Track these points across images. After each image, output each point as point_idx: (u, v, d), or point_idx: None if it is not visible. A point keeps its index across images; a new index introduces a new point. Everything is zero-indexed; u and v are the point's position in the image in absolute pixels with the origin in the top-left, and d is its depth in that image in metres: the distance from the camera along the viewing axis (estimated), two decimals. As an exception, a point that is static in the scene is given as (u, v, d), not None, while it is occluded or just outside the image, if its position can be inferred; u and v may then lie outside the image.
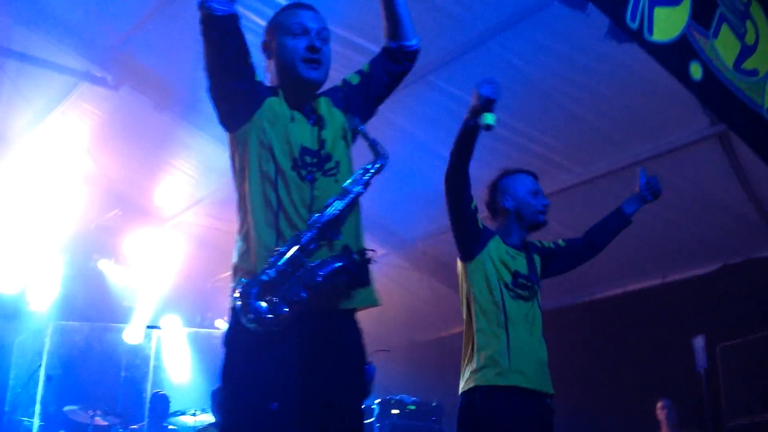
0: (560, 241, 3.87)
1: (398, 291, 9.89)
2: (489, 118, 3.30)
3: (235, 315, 2.45)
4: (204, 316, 10.75)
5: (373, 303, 2.59)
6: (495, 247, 3.60)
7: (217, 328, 10.32)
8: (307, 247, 2.44)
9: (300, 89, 2.62)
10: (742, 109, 4.67)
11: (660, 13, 4.32)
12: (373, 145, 2.62)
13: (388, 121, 6.96)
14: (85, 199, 9.07)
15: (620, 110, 6.40)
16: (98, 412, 7.79)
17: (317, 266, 2.41)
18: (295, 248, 2.42)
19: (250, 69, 2.57)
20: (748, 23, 4.80)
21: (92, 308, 9.59)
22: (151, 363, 9.94)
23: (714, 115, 5.87)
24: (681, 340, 6.66)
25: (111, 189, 9.38)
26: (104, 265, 9.81)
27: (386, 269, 9.38)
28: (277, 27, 2.64)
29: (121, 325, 9.81)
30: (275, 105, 2.59)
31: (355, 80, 2.76)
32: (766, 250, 7.36)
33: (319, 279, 2.39)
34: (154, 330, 9.81)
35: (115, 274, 9.84)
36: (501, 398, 3.42)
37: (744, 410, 5.60)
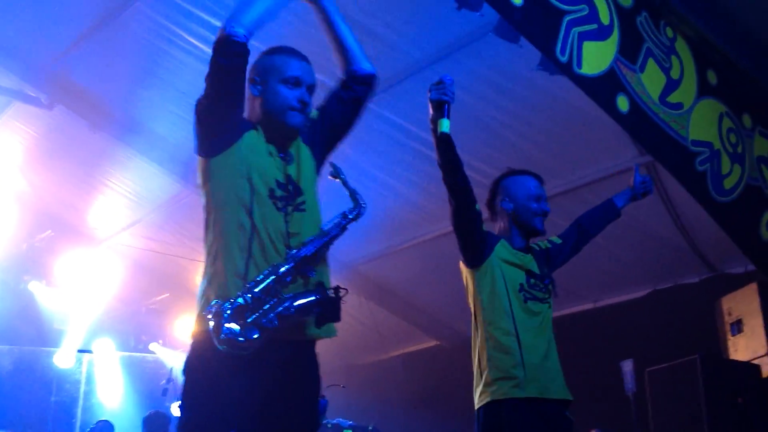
0: (555, 239, 3.80)
1: (336, 314, 9.90)
2: (443, 125, 3.32)
3: (199, 338, 2.51)
4: (138, 339, 10.59)
5: (333, 333, 2.67)
6: (502, 251, 3.50)
7: (152, 352, 10.17)
8: (284, 279, 2.51)
9: (282, 132, 2.71)
10: (668, 140, 4.83)
11: (589, 47, 4.47)
12: (353, 193, 2.75)
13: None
14: (16, 220, 8.92)
15: (553, 139, 6.55)
16: (27, 437, 7.61)
17: (291, 297, 2.48)
18: (272, 278, 2.49)
19: (241, 102, 2.68)
20: (674, 58, 4.98)
21: (22, 331, 9.37)
22: (82, 387, 9.74)
23: (641, 146, 6.05)
24: (611, 363, 6.80)
25: (43, 209, 9.21)
26: (35, 287, 9.61)
27: (324, 293, 9.38)
28: (273, 71, 2.71)
29: (52, 348, 9.59)
30: (253, 138, 2.67)
31: (315, 115, 2.85)
32: (693, 275, 7.58)
33: (293, 310, 2.46)
34: (86, 354, 9.62)
35: (46, 297, 9.65)
36: (523, 411, 3.30)
37: (670, 433, 5.74)
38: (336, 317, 2.58)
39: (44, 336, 9.61)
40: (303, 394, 2.58)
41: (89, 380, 9.88)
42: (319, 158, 2.83)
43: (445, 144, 3.42)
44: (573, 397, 3.47)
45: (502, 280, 3.45)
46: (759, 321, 5.99)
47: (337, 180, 2.77)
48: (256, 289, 2.46)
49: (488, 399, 3.36)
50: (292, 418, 2.51)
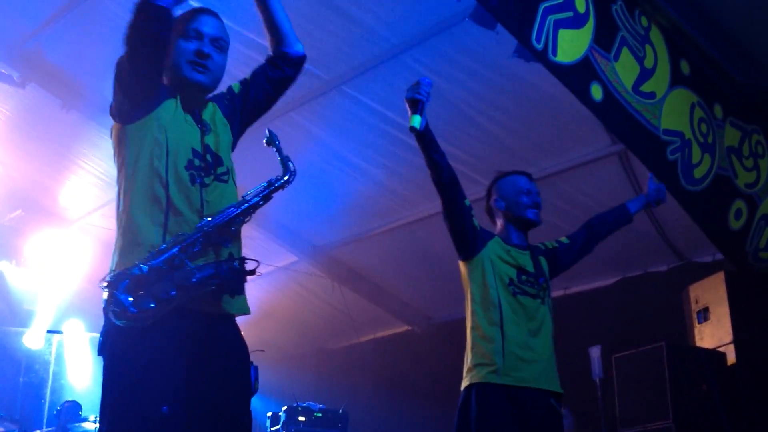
0: (563, 239, 3.97)
1: (309, 298, 9.91)
2: (413, 120, 3.37)
3: (105, 315, 2.41)
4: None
5: (245, 311, 2.60)
6: (494, 248, 3.64)
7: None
8: (190, 249, 2.42)
9: (187, 91, 2.64)
10: (639, 129, 4.88)
11: (564, 35, 4.49)
12: (285, 160, 2.67)
13: (303, 130, 7.00)
14: (-15, 199, 8.80)
15: (527, 126, 6.59)
16: (-6, 417, 7.56)
17: (196, 268, 2.40)
18: (176, 248, 2.40)
19: (160, 69, 2.59)
20: (648, 47, 5.02)
21: (-9, 311, 9.29)
22: (51, 368, 9.67)
23: (613, 134, 6.11)
24: (580, 349, 6.87)
25: (14, 189, 9.11)
26: (5, 267, 9.52)
27: (297, 276, 9.39)
28: (175, 29, 2.60)
29: (22, 329, 9.51)
30: (171, 106, 2.60)
31: (237, 88, 2.81)
32: (662, 264, 7.68)
33: (193, 280, 2.38)
34: (56, 335, 9.55)
35: (15, 277, 9.55)
36: (495, 395, 3.44)
37: (637, 418, 5.81)
38: (238, 290, 2.48)
39: (14, 316, 9.53)
40: (229, 363, 2.51)
41: (59, 361, 9.81)
42: (237, 133, 2.78)
43: (422, 140, 3.53)
44: (560, 389, 3.65)
45: (492, 273, 3.60)
46: (725, 309, 6.09)
47: (272, 147, 2.69)
48: (157, 260, 2.37)
49: (467, 383, 3.53)
50: (222, 388, 2.46)
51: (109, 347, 2.44)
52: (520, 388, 3.47)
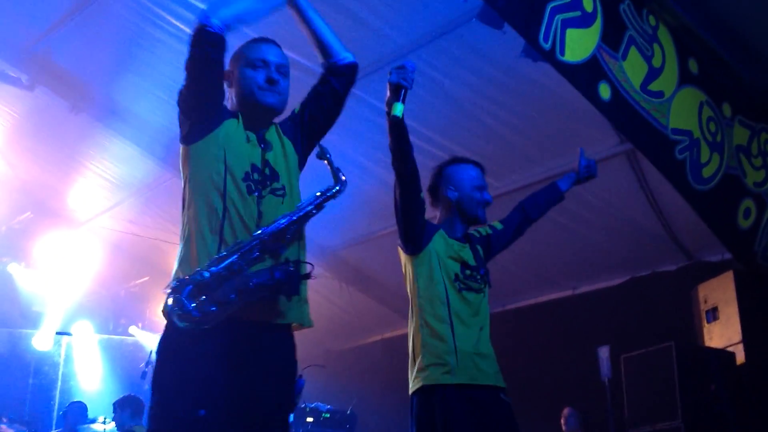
0: (496, 223, 3.83)
1: (316, 299, 9.83)
2: (396, 108, 3.25)
3: (169, 318, 2.51)
4: (117, 322, 10.56)
5: (306, 323, 2.68)
6: (440, 242, 3.56)
7: (131, 335, 10.14)
8: (248, 256, 2.52)
9: (258, 114, 2.77)
10: (648, 128, 4.87)
11: (572, 34, 4.50)
12: (335, 171, 2.77)
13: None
14: (-6, 201, 8.84)
15: (534, 126, 6.58)
16: (4, 419, 7.58)
17: (253, 274, 2.49)
18: (235, 255, 2.50)
19: (219, 91, 2.74)
20: (656, 46, 5.02)
21: (0, 313, 9.31)
22: (61, 370, 9.71)
23: (621, 134, 6.10)
24: (588, 350, 6.87)
25: (23, 191, 9.15)
26: (14, 269, 9.55)
27: (304, 277, 9.39)
28: (240, 58, 2.80)
29: (31, 330, 9.55)
30: (233, 126, 2.73)
31: (298, 109, 2.91)
32: (670, 263, 7.66)
33: (251, 285, 2.47)
34: (65, 336, 9.58)
35: (25, 279, 9.59)
36: (451, 397, 3.36)
37: (645, 419, 5.80)
38: (294, 291, 2.56)
39: (23, 318, 9.57)
40: (276, 374, 2.58)
41: (68, 363, 9.85)
42: (302, 152, 2.86)
43: (397, 129, 3.39)
44: (505, 384, 3.54)
45: (438, 269, 3.51)
46: (734, 309, 6.07)
47: (324, 161, 2.78)
48: (218, 266, 2.48)
49: (420, 384, 3.43)
50: (264, 399, 2.52)
51: (160, 350, 2.58)
52: (475, 387, 3.41)
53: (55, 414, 9.32)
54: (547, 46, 4.38)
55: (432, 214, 3.71)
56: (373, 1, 5.88)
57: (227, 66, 2.79)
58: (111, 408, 7.52)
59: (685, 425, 5.48)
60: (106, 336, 10.20)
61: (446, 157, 7.15)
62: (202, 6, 5.84)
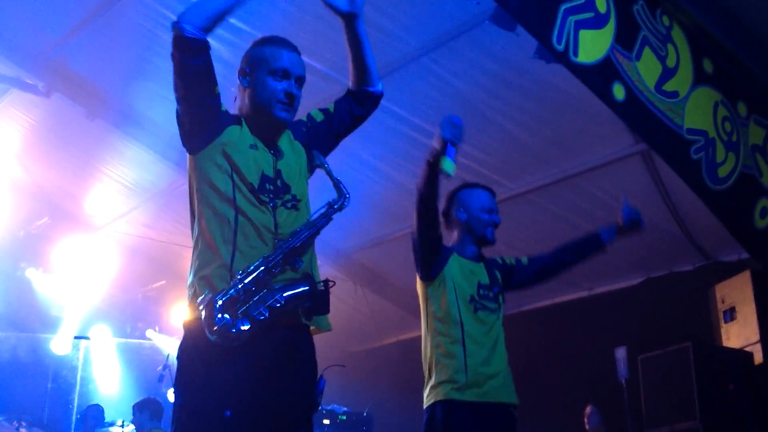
0: (523, 259, 3.94)
1: (332, 301, 9.90)
2: (447, 165, 3.35)
3: (192, 326, 2.53)
4: (134, 326, 10.62)
5: (325, 327, 2.72)
6: (454, 265, 3.71)
7: (148, 339, 10.20)
8: (273, 270, 2.53)
9: (269, 125, 2.73)
10: (663, 129, 4.85)
11: (585, 35, 4.49)
12: (337, 184, 2.74)
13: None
14: (13, 207, 8.92)
15: (548, 127, 6.57)
16: (23, 423, 7.64)
17: (280, 288, 2.51)
18: (262, 269, 2.51)
19: (214, 97, 2.66)
20: (670, 46, 5.00)
21: (19, 318, 9.40)
22: (79, 374, 9.77)
23: (636, 134, 6.08)
24: (605, 350, 6.85)
25: (40, 196, 9.22)
26: (32, 274, 9.62)
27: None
28: (261, 62, 2.71)
29: (49, 335, 9.62)
30: (235, 132, 2.69)
31: (319, 117, 2.88)
32: (687, 263, 7.63)
33: (283, 301, 2.50)
34: (83, 340, 9.65)
35: (43, 283, 9.66)
36: (460, 413, 3.52)
37: (663, 419, 5.78)
38: (325, 309, 2.62)
39: (41, 323, 9.64)
40: (298, 375, 2.61)
41: (86, 366, 9.91)
42: (311, 159, 2.84)
43: (436, 179, 3.54)
44: (518, 402, 3.69)
45: (453, 292, 3.66)
46: (751, 308, 6.04)
47: (322, 170, 2.77)
48: (247, 280, 2.48)
49: (432, 401, 3.60)
50: (288, 400, 2.54)
51: (184, 353, 2.59)
52: (483, 403, 3.55)
53: (73, 418, 9.38)
54: (561, 47, 4.37)
55: (446, 236, 3.85)
56: (384, 4, 5.89)
57: (243, 63, 2.74)
58: (129, 411, 7.58)
59: (704, 426, 5.46)
60: (123, 340, 10.26)
61: (461, 159, 7.19)
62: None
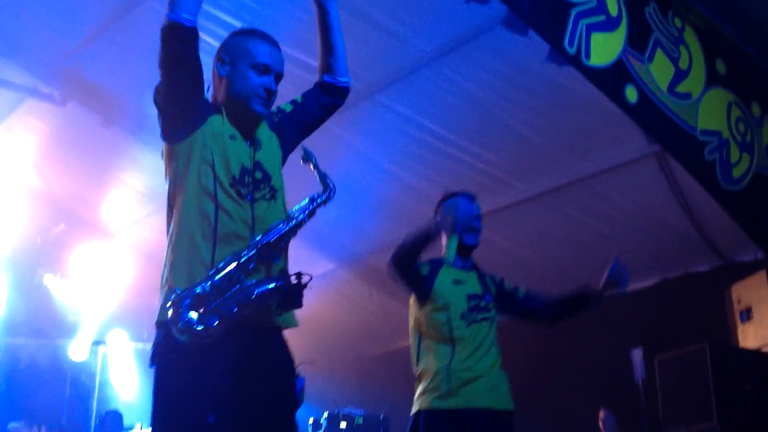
0: (521, 290, 3.92)
1: (347, 305, 9.96)
2: (451, 252, 3.57)
3: (166, 328, 2.44)
4: (151, 331, 10.67)
5: (293, 324, 2.65)
6: (445, 278, 3.74)
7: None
8: (246, 266, 2.47)
9: (245, 117, 2.68)
10: (676, 130, 4.86)
11: (597, 38, 4.50)
12: (323, 177, 2.70)
13: (338, 138, 7.05)
14: (30, 214, 8.99)
15: (561, 129, 6.58)
16: (43, 428, 7.71)
17: (253, 285, 2.44)
18: (233, 265, 2.45)
19: (200, 86, 2.62)
20: (682, 48, 5.00)
21: (37, 324, 9.47)
22: (97, 379, 9.83)
23: (649, 136, 6.07)
24: (621, 352, 6.83)
25: (57, 203, 9.29)
26: (50, 281, 9.69)
27: (334, 283, 9.44)
28: (243, 54, 2.67)
29: (67, 341, 9.69)
30: (217, 122, 2.63)
31: (288, 109, 2.84)
32: (703, 264, 7.60)
33: (253, 297, 2.43)
34: (101, 346, 9.72)
35: (60, 289, 9.73)
36: (442, 421, 3.54)
37: (680, 420, 5.76)
38: (297, 304, 2.54)
39: (59, 329, 9.71)
40: (276, 374, 2.56)
41: (104, 372, 9.98)
42: (286, 150, 2.82)
43: (425, 248, 3.61)
44: (512, 407, 3.68)
45: (445, 311, 3.69)
46: (768, 308, 6.02)
47: (309, 165, 2.72)
48: (217, 277, 2.42)
49: (416, 409, 3.64)
50: (269, 399, 2.50)
51: (159, 358, 2.51)
52: (468, 410, 3.55)
53: (92, 423, 9.44)
54: (572, 50, 4.38)
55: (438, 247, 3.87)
56: (396, 8, 5.92)
57: (221, 52, 2.69)
58: (147, 415, 7.63)
59: (721, 426, 5.44)
60: (140, 344, 10.31)
61: (474, 163, 7.22)
62: (229, 20, 5.93)
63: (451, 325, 3.65)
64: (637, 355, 6.61)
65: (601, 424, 7.57)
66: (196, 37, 2.54)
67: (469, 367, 3.60)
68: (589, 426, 7.68)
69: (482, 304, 3.72)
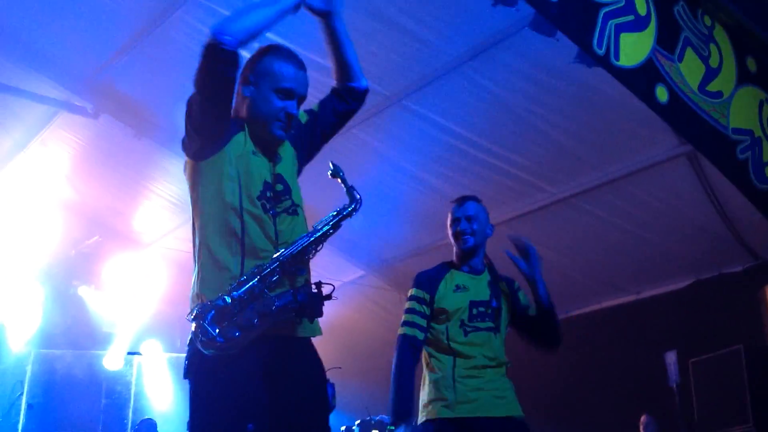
0: (531, 309, 3.85)
1: (377, 311, 9.96)
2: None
3: (193, 341, 2.50)
4: (184, 340, 10.75)
5: (317, 333, 2.69)
6: (447, 287, 3.74)
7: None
8: (269, 279, 2.52)
9: (264, 138, 2.71)
10: (708, 129, 4.81)
11: (626, 38, 4.47)
12: (350, 189, 2.73)
13: (366, 145, 7.09)
14: (64, 226, 9.11)
15: (591, 131, 6.56)
16: (79, 439, 7.79)
17: (275, 297, 2.50)
18: (256, 279, 2.50)
19: (230, 108, 2.66)
20: (712, 46, 4.96)
21: (73, 335, 9.58)
22: (133, 389, 9.91)
23: (681, 136, 6.03)
24: (655, 355, 6.79)
25: (90, 215, 9.41)
26: (84, 292, 9.80)
27: (365, 290, 9.46)
28: (267, 76, 2.68)
29: (102, 351, 9.79)
30: (241, 140, 2.67)
31: (304, 119, 2.86)
32: (737, 264, 7.52)
33: (274, 309, 2.48)
34: (136, 356, 9.80)
35: (95, 301, 9.84)
36: (449, 430, 3.55)
37: (715, 423, 5.72)
38: (317, 313, 2.58)
39: (94, 339, 9.81)
40: (308, 382, 2.61)
41: (139, 382, 10.06)
42: (303, 161, 2.85)
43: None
44: (521, 413, 3.66)
45: (445, 320, 3.70)
46: (804, 309, 5.96)
47: (337, 179, 2.75)
48: (239, 290, 2.47)
49: (423, 419, 3.66)
50: (303, 405, 2.55)
51: (194, 371, 2.56)
52: (474, 419, 3.54)
53: (128, 432, 9.53)
54: (601, 51, 4.36)
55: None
56: (423, 14, 5.94)
57: (248, 71, 2.69)
58: (182, 425, 7.69)
59: (757, 429, 5.40)
60: (174, 354, 10.39)
61: (503, 166, 7.19)
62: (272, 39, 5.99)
63: (449, 335, 3.65)
64: (670, 358, 6.57)
65: (642, 428, 7.49)
66: (236, 63, 2.54)
67: (475, 376, 3.60)
68: (623, 428, 7.62)
69: (488, 311, 3.69)
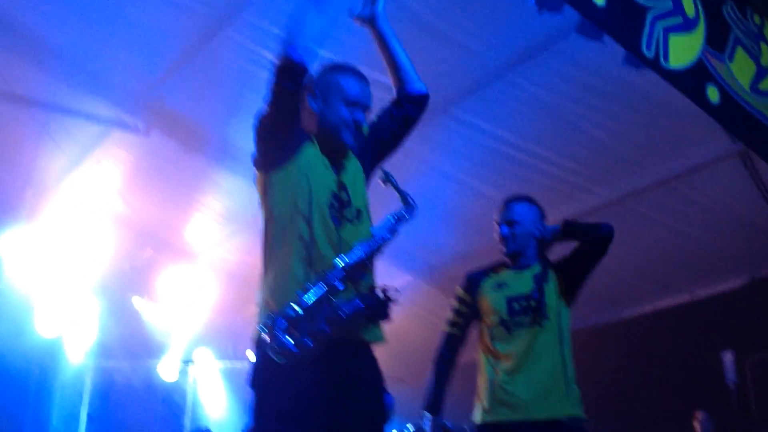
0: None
1: (426, 317, 9.96)
2: None
3: (263, 348, 2.57)
4: (236, 348, 10.88)
5: (381, 339, 2.77)
6: (487, 287, 3.79)
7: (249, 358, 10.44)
8: (335, 286, 2.59)
9: (334, 148, 2.82)
10: (761, 129, 4.77)
11: (675, 40, 4.45)
12: (404, 195, 2.82)
13: (414, 155, 7.11)
14: (118, 240, 9.28)
15: (640, 132, 6.52)
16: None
17: (343, 304, 2.57)
18: (322, 286, 2.58)
19: (299, 120, 2.77)
20: (763, 45, 4.91)
21: (130, 346, 9.75)
22: (189, 398, 10.06)
23: (733, 135, 5.97)
24: (711, 355, 6.71)
25: (143, 229, 9.57)
26: (139, 303, 9.98)
27: (413, 296, 9.48)
28: (334, 89, 2.82)
29: (157, 361, 9.96)
30: (311, 150, 2.77)
31: (365, 131, 2.94)
32: (793, 262, 7.42)
33: (343, 315, 2.56)
34: (191, 365, 9.95)
35: (150, 312, 10.01)
36: None
37: (777, 423, 5.65)
38: (385, 317, 2.66)
39: (150, 350, 9.98)
40: (368, 390, 2.67)
41: (195, 390, 10.20)
42: (368, 171, 2.93)
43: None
44: (571, 413, 3.59)
45: (486, 320, 3.75)
46: None
47: (388, 185, 2.84)
48: (308, 298, 2.54)
49: (472, 423, 3.74)
50: (361, 415, 2.61)
51: (259, 380, 2.64)
52: (519, 422, 3.53)
53: (186, 441, 9.67)
54: (650, 54, 4.35)
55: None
56: (468, 21, 5.95)
57: (314, 86, 2.81)
58: (238, 433, 7.79)
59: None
60: (228, 363, 10.52)
61: (551, 170, 7.18)
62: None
63: (492, 334, 3.67)
64: (727, 358, 6.49)
65: (698, 426, 7.42)
66: (305, 75, 2.66)
67: (515, 378, 3.58)
68: (681, 430, 7.54)
69: (532, 304, 3.65)
